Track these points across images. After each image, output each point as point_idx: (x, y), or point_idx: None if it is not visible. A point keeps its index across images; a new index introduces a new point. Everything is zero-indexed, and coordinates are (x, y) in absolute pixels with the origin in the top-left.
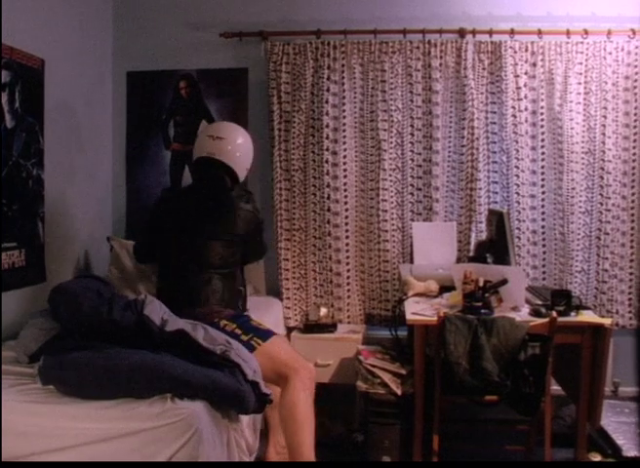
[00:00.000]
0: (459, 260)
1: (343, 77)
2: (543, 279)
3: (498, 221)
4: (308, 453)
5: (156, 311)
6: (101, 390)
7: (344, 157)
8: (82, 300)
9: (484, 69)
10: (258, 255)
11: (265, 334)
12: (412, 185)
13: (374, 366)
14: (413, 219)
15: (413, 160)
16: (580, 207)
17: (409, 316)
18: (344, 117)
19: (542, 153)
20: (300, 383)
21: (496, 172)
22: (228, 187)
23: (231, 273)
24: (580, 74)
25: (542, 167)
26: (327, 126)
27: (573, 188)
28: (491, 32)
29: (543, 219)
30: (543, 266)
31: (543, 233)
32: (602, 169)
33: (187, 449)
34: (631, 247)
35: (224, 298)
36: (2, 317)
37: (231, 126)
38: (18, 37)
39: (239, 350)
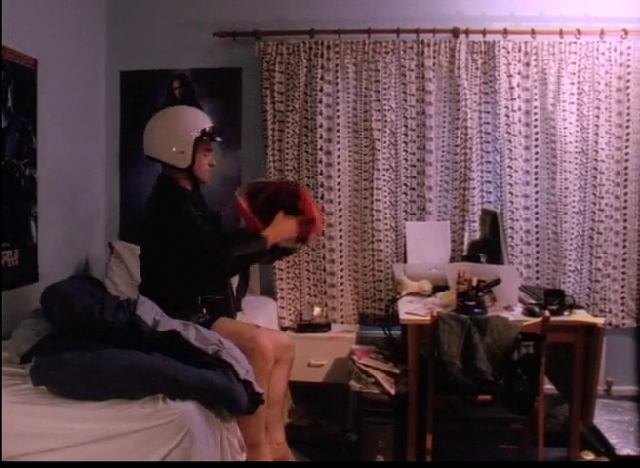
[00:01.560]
0: (452, 260)
1: (337, 77)
2: (537, 278)
3: (491, 221)
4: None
5: (149, 311)
6: (93, 390)
7: (338, 157)
8: (75, 300)
9: (477, 69)
10: (208, 269)
11: None
12: (405, 185)
13: (367, 365)
14: (406, 219)
15: (406, 160)
16: (574, 206)
17: (402, 315)
18: (338, 117)
19: (536, 153)
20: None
21: (489, 171)
22: (162, 185)
23: (167, 297)
24: (573, 74)
25: (536, 166)
26: (320, 126)
27: (566, 188)
28: (484, 32)
29: (537, 219)
30: (537, 266)
31: (537, 232)
32: (595, 168)
33: (180, 450)
34: (624, 246)
35: None
36: (4, 316)
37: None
38: (10, 36)
39: (231, 350)
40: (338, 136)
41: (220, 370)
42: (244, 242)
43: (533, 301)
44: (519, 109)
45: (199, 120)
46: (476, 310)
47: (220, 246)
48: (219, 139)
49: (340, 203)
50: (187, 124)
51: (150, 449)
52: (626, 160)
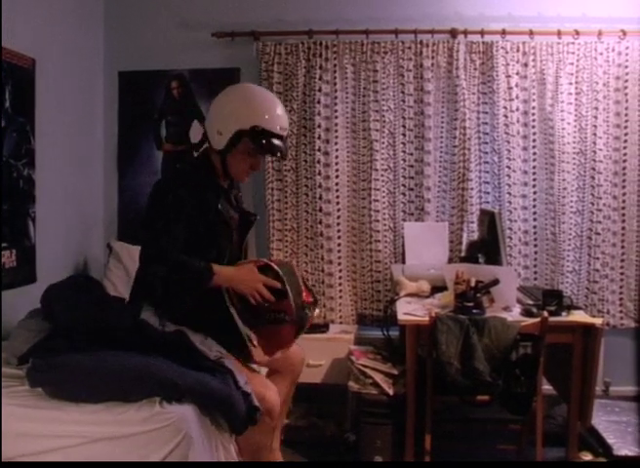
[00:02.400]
0: (450, 260)
1: (335, 77)
2: (535, 279)
3: (489, 221)
4: None
5: (151, 316)
6: (90, 393)
7: (336, 157)
8: (79, 301)
9: (475, 69)
10: (145, 249)
11: None
12: (403, 185)
13: (365, 366)
14: (404, 219)
15: (404, 160)
16: (572, 207)
17: (401, 316)
18: (336, 117)
19: (534, 153)
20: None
21: (487, 172)
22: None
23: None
24: (572, 74)
25: (534, 167)
26: (319, 126)
27: (564, 188)
28: (482, 32)
29: (535, 219)
30: (535, 266)
31: (535, 233)
32: (593, 169)
33: (177, 454)
34: (622, 247)
35: None
36: (2, 317)
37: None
38: (8, 36)
39: (231, 361)
40: (336, 137)
41: (220, 376)
42: (198, 262)
43: (531, 302)
44: (517, 109)
45: (260, 114)
46: (474, 311)
47: (176, 243)
48: (277, 154)
49: (338, 203)
50: (243, 109)
51: (147, 453)
52: (624, 160)
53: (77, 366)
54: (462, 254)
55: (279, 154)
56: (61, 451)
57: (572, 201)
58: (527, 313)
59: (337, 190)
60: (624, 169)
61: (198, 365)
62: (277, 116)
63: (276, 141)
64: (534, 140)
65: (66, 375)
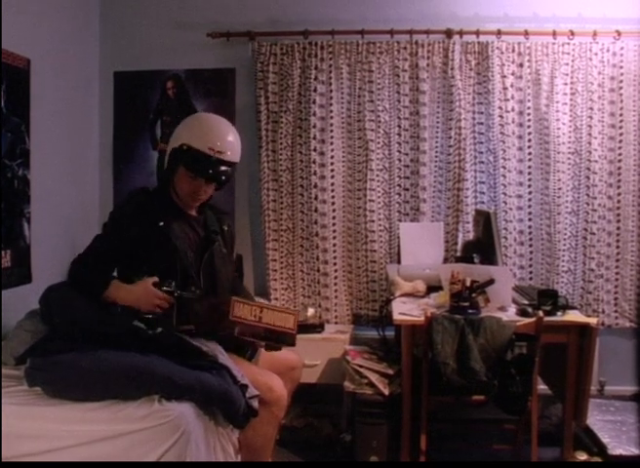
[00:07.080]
0: (446, 260)
1: (331, 77)
2: (530, 279)
3: (484, 221)
4: None
5: None
6: (88, 392)
7: (332, 157)
8: (77, 301)
9: (471, 70)
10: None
11: None
12: (399, 185)
13: (361, 366)
14: (400, 220)
15: (400, 160)
16: (567, 207)
17: (396, 316)
18: (332, 117)
19: (529, 153)
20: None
21: (483, 172)
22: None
23: None
24: (567, 75)
25: (529, 167)
26: (314, 126)
27: (559, 188)
28: (478, 33)
29: (530, 219)
30: (530, 266)
31: (530, 233)
32: (588, 169)
33: (175, 451)
34: (617, 247)
35: None
36: (2, 317)
37: None
38: (3, 36)
39: (225, 356)
40: (331, 137)
41: (217, 373)
42: (100, 275)
43: (526, 302)
44: (513, 110)
45: (191, 133)
46: (470, 311)
47: (94, 257)
48: (210, 178)
49: (333, 203)
50: (180, 130)
51: (146, 451)
52: (619, 160)
53: (76, 364)
54: (458, 254)
55: (214, 179)
56: (61, 450)
57: (567, 201)
58: (522, 313)
59: (332, 190)
60: (619, 169)
61: (195, 363)
62: (211, 138)
63: (206, 164)
64: (529, 140)
65: (65, 374)
